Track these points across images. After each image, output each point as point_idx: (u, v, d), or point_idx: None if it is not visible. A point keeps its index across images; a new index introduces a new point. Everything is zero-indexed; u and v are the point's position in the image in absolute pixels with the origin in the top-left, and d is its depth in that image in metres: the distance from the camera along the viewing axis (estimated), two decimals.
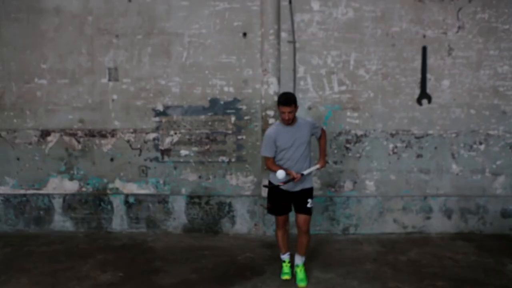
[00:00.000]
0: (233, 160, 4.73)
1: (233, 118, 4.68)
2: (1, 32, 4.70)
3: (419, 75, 4.57)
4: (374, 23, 4.52)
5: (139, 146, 4.77)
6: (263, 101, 4.59)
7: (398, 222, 4.71)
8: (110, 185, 4.82)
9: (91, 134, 4.78)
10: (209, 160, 4.74)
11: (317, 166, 3.61)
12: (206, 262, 4.03)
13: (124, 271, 3.83)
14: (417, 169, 4.66)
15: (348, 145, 4.65)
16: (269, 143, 3.50)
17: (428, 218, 4.70)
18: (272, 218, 4.21)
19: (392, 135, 4.64)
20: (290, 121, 3.43)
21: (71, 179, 4.84)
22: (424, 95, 4.59)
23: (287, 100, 3.36)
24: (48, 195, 4.86)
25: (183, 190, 4.78)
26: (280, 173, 3.37)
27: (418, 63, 4.56)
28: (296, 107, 3.42)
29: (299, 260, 3.68)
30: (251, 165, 4.70)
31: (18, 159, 4.84)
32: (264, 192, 4.37)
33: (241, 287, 3.53)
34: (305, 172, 3.48)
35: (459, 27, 4.51)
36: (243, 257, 4.15)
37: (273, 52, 4.52)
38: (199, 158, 4.74)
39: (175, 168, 4.77)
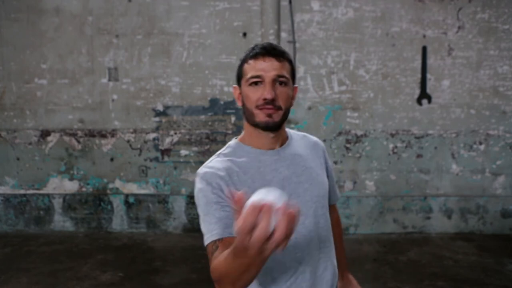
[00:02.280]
0: None
1: (233, 118, 4.68)
2: (1, 32, 4.70)
3: (419, 75, 4.57)
4: (374, 23, 4.52)
5: (139, 146, 4.77)
6: None
7: (398, 222, 4.71)
8: (110, 185, 4.82)
9: (91, 134, 4.78)
10: None
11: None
12: (206, 262, 4.01)
13: (124, 271, 3.83)
14: (417, 169, 4.66)
15: (348, 145, 4.66)
16: (212, 206, 1.25)
17: (428, 218, 4.70)
18: None
19: (392, 135, 4.64)
20: (276, 121, 1.31)
21: (71, 179, 4.84)
22: (424, 95, 4.59)
23: (272, 49, 1.31)
24: (48, 195, 4.86)
25: (183, 190, 4.78)
26: None
27: (418, 63, 4.56)
28: (293, 74, 1.36)
29: None
30: None
31: (18, 159, 4.84)
32: None
33: None
34: None
35: (459, 27, 4.51)
36: None
37: None
38: (199, 158, 4.74)
39: (175, 168, 4.77)
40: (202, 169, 1.33)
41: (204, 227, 1.27)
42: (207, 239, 1.24)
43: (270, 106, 1.30)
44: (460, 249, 4.27)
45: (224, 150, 1.42)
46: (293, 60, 1.41)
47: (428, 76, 4.56)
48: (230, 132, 4.69)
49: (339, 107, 4.62)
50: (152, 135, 4.75)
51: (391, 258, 4.06)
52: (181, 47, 4.64)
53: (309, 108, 4.59)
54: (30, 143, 4.82)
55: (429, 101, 4.60)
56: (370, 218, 4.71)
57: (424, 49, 4.53)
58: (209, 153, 4.72)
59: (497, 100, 4.58)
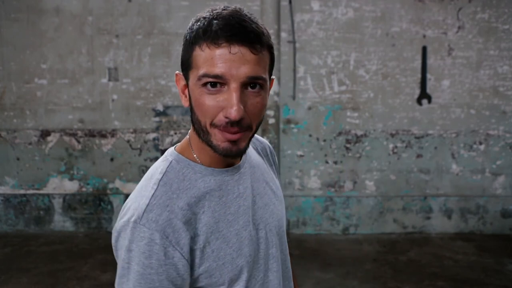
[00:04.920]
0: None
1: None
2: (1, 32, 4.70)
3: (419, 75, 4.57)
4: (374, 23, 4.52)
5: (139, 146, 4.77)
6: None
7: (398, 222, 4.71)
8: (110, 185, 4.82)
9: (91, 134, 4.78)
10: None
11: None
12: None
13: None
14: (417, 169, 4.66)
15: (348, 145, 4.66)
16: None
17: (428, 218, 4.70)
18: None
19: (392, 135, 4.64)
20: (241, 148, 0.87)
21: (71, 179, 4.84)
22: (424, 95, 4.59)
23: (243, 29, 0.82)
24: (48, 195, 4.86)
25: None
26: None
27: (418, 63, 4.56)
28: (272, 65, 0.89)
29: None
30: None
31: (18, 159, 4.84)
32: None
33: None
34: None
35: (459, 27, 4.51)
36: None
37: None
38: None
39: None
40: (140, 222, 0.88)
41: None
42: None
43: (235, 129, 0.84)
44: (460, 249, 4.27)
45: (163, 174, 0.92)
46: (273, 44, 0.91)
47: (428, 76, 4.56)
48: None
49: (339, 107, 4.62)
50: (152, 135, 4.75)
51: (391, 258, 4.06)
52: (181, 47, 4.62)
53: (309, 108, 4.59)
54: (30, 143, 4.82)
55: (429, 101, 4.60)
56: (370, 218, 4.71)
57: (424, 49, 4.53)
58: None
59: (497, 100, 4.58)
